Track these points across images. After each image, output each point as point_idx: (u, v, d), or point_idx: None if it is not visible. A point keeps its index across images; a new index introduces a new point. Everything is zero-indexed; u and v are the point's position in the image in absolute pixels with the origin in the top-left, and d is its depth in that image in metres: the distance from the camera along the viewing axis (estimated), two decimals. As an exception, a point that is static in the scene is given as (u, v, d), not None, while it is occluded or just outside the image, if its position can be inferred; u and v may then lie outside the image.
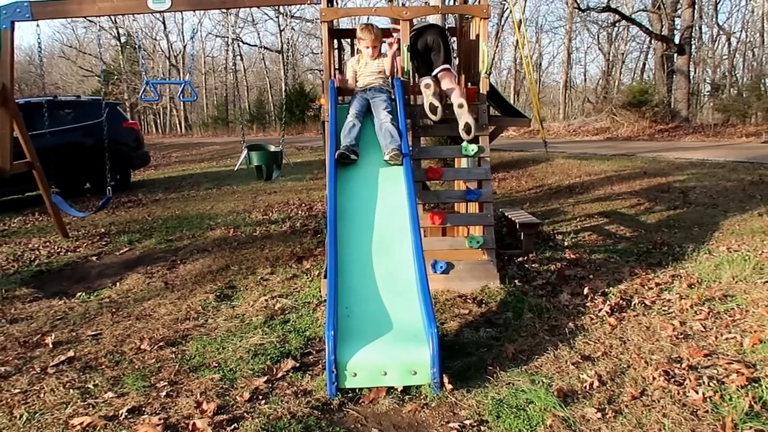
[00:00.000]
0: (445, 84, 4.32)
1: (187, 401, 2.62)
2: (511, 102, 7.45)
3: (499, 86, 31.67)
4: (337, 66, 5.55)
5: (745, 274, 3.94)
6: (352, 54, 5.63)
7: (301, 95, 27.20)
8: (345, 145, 3.78)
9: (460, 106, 4.05)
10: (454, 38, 5.86)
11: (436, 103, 4.06)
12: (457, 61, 4.99)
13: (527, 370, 2.80)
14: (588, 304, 3.61)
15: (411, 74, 4.37)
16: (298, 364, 2.94)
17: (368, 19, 5.38)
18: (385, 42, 4.33)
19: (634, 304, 3.57)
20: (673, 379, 2.60)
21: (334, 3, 5.09)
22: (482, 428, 2.34)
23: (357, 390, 2.65)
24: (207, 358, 3.10)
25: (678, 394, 2.49)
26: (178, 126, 38.81)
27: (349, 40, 5.57)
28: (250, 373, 2.87)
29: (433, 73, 4.34)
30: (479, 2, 4.35)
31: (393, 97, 4.10)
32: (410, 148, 3.95)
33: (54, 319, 3.88)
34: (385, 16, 4.67)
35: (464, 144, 4.28)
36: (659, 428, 2.27)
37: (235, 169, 5.91)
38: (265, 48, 38.04)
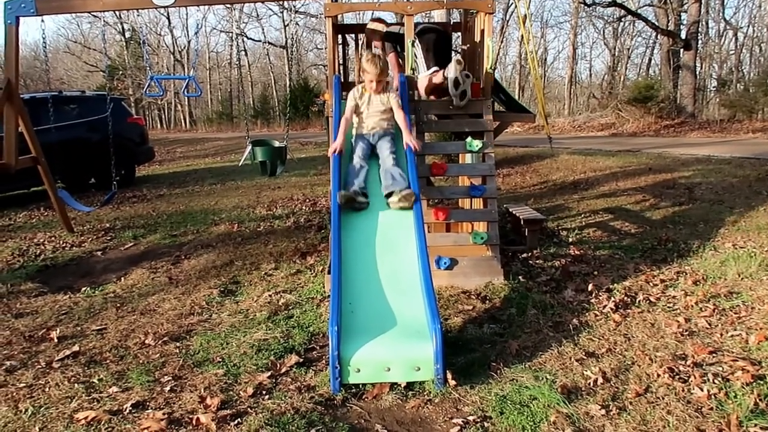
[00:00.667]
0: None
1: (191, 396, 2.63)
2: (516, 97, 7.43)
3: (504, 82, 31.58)
4: (341, 62, 5.54)
5: (751, 270, 3.92)
6: (356, 50, 5.63)
7: (306, 91, 27.17)
8: (354, 189, 3.46)
9: (459, 62, 4.20)
10: (458, 33, 5.85)
11: (461, 79, 4.11)
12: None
13: (531, 366, 2.80)
14: (592, 301, 3.60)
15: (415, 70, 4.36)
16: (301, 360, 2.94)
17: (372, 14, 5.36)
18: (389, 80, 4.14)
19: (639, 301, 3.56)
20: (677, 376, 2.59)
21: (339, -2, 5.06)
22: (485, 424, 2.34)
23: (360, 385, 2.66)
24: (211, 353, 3.11)
25: (683, 391, 2.48)
26: (182, 121, 38.86)
27: (353, 35, 5.56)
28: (254, 368, 2.88)
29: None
30: (484, -3, 4.32)
31: (407, 147, 3.72)
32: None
33: (59, 314, 3.90)
34: (389, 11, 4.65)
35: (468, 139, 4.28)
36: (663, 425, 2.26)
37: (240, 164, 5.94)
38: (269, 43, 38.02)
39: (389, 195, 3.44)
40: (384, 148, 3.73)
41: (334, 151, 3.67)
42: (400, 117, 3.80)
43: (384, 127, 3.83)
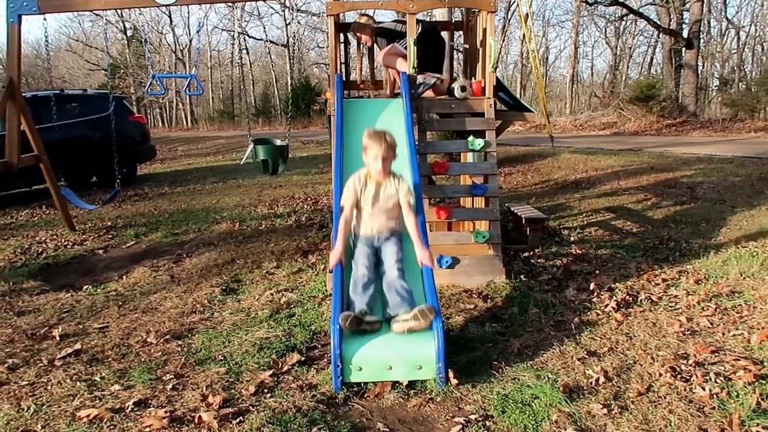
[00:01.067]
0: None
1: (193, 394, 2.63)
2: (518, 96, 7.42)
3: (506, 81, 31.49)
4: (342, 60, 5.54)
5: (753, 270, 3.91)
6: (358, 48, 5.61)
7: (307, 89, 27.13)
8: (360, 308, 2.75)
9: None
10: (460, 32, 5.85)
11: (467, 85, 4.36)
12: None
13: (533, 365, 2.80)
14: (594, 300, 3.60)
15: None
16: (303, 358, 2.94)
17: (374, 13, 5.34)
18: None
19: (641, 300, 3.56)
20: (679, 376, 2.59)
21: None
22: (487, 423, 2.34)
23: (362, 384, 2.65)
24: (213, 351, 3.11)
25: (684, 390, 2.48)
26: (183, 120, 38.85)
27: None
28: (256, 366, 2.88)
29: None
30: (486, -4, 4.32)
31: (422, 266, 3.04)
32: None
33: (61, 312, 3.90)
34: (391, 9, 4.64)
35: (470, 138, 4.28)
36: (665, 424, 2.26)
37: (242, 163, 5.94)
38: (270, 42, 38.02)
39: (391, 319, 2.76)
40: (389, 254, 3.04)
41: (336, 263, 2.97)
42: (411, 224, 3.08)
43: (391, 228, 3.11)
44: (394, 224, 3.12)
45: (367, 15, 5.25)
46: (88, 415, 2.46)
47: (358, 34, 5.26)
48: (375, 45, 5.31)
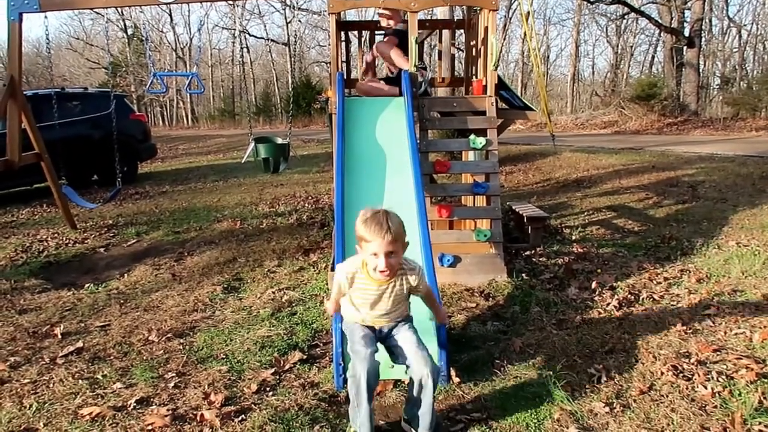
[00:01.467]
0: None
1: (195, 392, 2.63)
2: (519, 94, 7.43)
3: (507, 79, 31.49)
4: (344, 58, 5.53)
5: (755, 269, 3.91)
6: (359, 47, 5.59)
7: (308, 88, 27.17)
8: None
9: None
10: (461, 30, 5.84)
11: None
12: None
13: (535, 363, 2.79)
14: (596, 299, 3.60)
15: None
16: (305, 357, 2.94)
17: (375, 12, 5.28)
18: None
19: (643, 299, 3.55)
20: (681, 374, 2.59)
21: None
22: (489, 422, 2.34)
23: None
24: (214, 349, 3.11)
25: (686, 389, 2.47)
26: (184, 118, 38.88)
27: (356, 32, 5.55)
28: (258, 365, 2.88)
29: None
30: (488, -6, 4.31)
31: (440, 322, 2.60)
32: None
33: (63, 310, 3.91)
34: (393, 7, 4.63)
35: (472, 137, 4.28)
36: (667, 423, 2.26)
37: (242, 161, 5.94)
38: (271, 40, 38.00)
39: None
40: (405, 338, 2.33)
41: (333, 312, 2.49)
42: (431, 303, 2.53)
43: (398, 319, 2.38)
44: (401, 316, 2.39)
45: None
46: (90, 413, 2.46)
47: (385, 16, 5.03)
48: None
